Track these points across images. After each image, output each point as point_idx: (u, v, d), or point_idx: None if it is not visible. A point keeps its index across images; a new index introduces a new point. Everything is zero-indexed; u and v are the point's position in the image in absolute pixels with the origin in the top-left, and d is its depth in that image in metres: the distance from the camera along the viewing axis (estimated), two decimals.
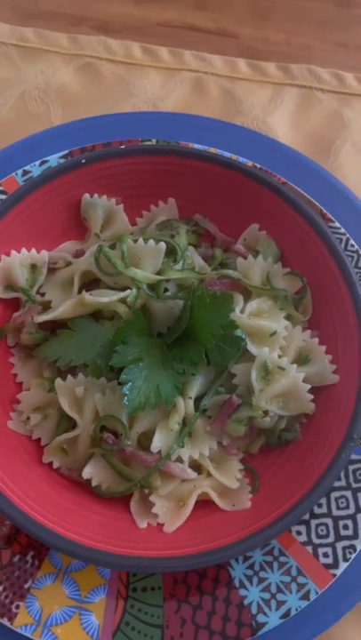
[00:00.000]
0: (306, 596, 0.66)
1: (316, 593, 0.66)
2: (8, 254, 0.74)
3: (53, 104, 0.96)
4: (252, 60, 1.00)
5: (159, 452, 0.66)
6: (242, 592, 0.67)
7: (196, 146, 0.81)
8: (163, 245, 0.71)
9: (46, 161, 0.81)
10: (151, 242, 0.71)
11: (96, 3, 1.03)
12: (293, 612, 0.66)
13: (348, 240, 0.78)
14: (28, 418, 0.70)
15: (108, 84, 0.98)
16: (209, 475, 0.68)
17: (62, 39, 0.99)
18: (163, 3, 1.04)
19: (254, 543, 0.62)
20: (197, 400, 0.68)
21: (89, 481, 0.67)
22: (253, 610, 0.66)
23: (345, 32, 1.05)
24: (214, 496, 0.67)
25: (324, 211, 0.80)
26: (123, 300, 0.69)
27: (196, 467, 0.69)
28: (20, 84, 0.96)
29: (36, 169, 0.80)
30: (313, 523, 0.69)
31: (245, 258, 0.75)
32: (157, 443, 0.66)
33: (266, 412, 0.68)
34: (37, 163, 0.80)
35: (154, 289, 0.71)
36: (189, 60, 1.00)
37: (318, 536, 0.68)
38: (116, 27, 1.02)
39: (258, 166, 0.81)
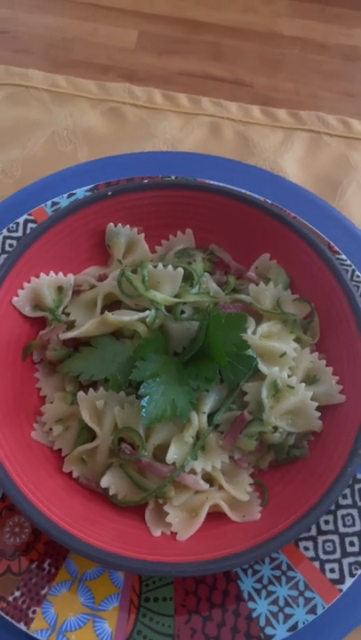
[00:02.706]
0: (313, 610, 0.67)
1: (323, 607, 0.67)
2: (37, 276, 0.79)
3: (80, 143, 1.02)
4: (265, 106, 1.07)
5: (174, 464, 0.69)
6: (251, 605, 0.68)
7: (212, 182, 0.86)
8: (180, 270, 0.75)
9: (74, 193, 0.86)
10: (170, 267, 0.75)
11: (123, 54, 1.11)
12: (301, 626, 0.67)
13: (353, 271, 0.83)
14: (51, 429, 0.74)
15: (131, 126, 1.04)
16: (221, 487, 0.71)
17: (91, 86, 1.06)
18: (183, 54, 1.12)
19: (262, 552, 0.64)
20: (211, 416, 0.72)
21: (106, 490, 0.70)
22: (262, 622, 0.67)
23: (351, 82, 1.13)
24: (225, 507, 0.69)
25: (332, 244, 0.84)
26: (142, 320, 0.73)
27: (209, 479, 0.72)
28: (51, 125, 1.03)
29: (64, 200, 0.86)
30: (320, 539, 0.71)
31: (257, 284, 0.80)
32: (172, 454, 0.69)
33: (275, 428, 0.71)
34: (65, 195, 0.86)
35: (171, 311, 0.75)
36: (206, 106, 1.07)
37: (325, 552, 0.70)
38: (140, 75, 1.10)
39: (270, 202, 0.86)
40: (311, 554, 0.70)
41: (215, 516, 0.70)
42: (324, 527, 0.71)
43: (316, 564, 0.70)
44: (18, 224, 0.84)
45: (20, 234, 0.83)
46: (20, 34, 1.12)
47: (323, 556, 0.70)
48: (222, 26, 1.16)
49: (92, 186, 0.87)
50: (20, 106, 1.05)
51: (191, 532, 0.68)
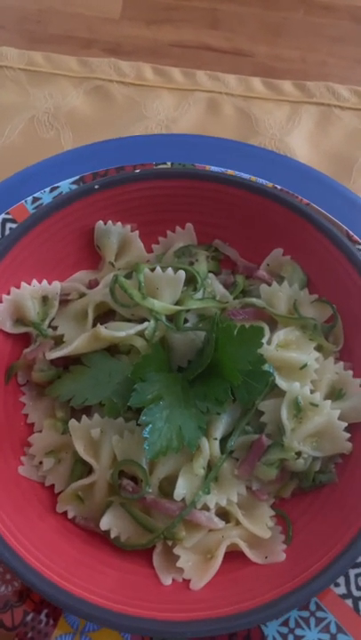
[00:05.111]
0: None
1: None
2: (18, 286, 0.71)
3: (63, 128, 0.94)
4: (268, 78, 0.98)
5: (183, 500, 0.62)
6: None
7: (213, 168, 0.78)
8: (182, 274, 0.68)
9: (57, 187, 0.78)
10: (169, 270, 0.68)
11: (106, 25, 1.02)
12: None
13: None
14: (41, 462, 0.66)
15: (119, 107, 0.96)
16: (238, 523, 0.63)
17: (72, 62, 0.98)
18: (175, 23, 1.03)
19: (291, 604, 0.57)
20: (223, 441, 0.64)
21: (107, 532, 0.62)
22: None
23: None
24: (244, 547, 0.61)
25: (350, 232, 0.76)
26: (140, 334, 0.65)
27: (224, 514, 0.64)
28: (29, 108, 0.95)
29: (46, 196, 0.77)
30: (352, 573, 0.63)
31: (269, 284, 0.72)
32: (181, 489, 0.61)
33: (299, 454, 0.63)
34: (48, 189, 0.78)
35: (173, 320, 0.67)
36: (203, 80, 0.98)
37: (359, 588, 0.63)
38: (127, 49, 1.01)
39: (279, 188, 0.77)
40: (343, 590, 0.63)
41: (233, 556, 0.62)
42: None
43: (349, 601, 0.63)
44: None
45: None
46: None
47: (356, 593, 0.63)
48: None
49: (77, 177, 0.79)
50: None
51: (207, 578, 0.61)
